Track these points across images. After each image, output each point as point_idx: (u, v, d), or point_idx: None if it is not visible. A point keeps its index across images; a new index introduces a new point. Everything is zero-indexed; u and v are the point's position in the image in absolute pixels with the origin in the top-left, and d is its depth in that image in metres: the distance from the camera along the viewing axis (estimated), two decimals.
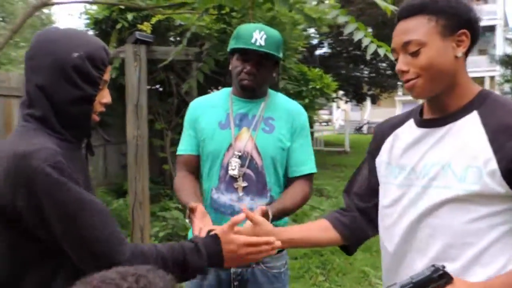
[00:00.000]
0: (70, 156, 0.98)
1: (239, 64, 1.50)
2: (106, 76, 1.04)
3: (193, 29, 3.15)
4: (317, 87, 6.16)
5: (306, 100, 6.73)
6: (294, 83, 6.20)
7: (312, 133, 15.35)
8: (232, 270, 1.50)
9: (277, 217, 1.42)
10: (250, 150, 1.50)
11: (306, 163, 1.57)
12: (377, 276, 3.56)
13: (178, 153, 1.62)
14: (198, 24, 3.13)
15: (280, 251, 1.53)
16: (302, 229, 1.31)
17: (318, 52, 14.63)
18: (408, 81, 1.00)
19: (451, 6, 0.97)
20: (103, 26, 5.46)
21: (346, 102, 16.45)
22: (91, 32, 5.79)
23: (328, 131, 19.56)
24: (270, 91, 1.64)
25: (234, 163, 1.49)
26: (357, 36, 2.42)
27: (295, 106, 1.63)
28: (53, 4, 3.69)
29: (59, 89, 0.98)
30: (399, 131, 1.13)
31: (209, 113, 1.56)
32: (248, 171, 1.50)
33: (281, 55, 1.55)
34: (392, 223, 1.07)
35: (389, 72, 14.80)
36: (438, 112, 1.04)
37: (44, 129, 1.00)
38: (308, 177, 1.58)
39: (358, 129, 22.16)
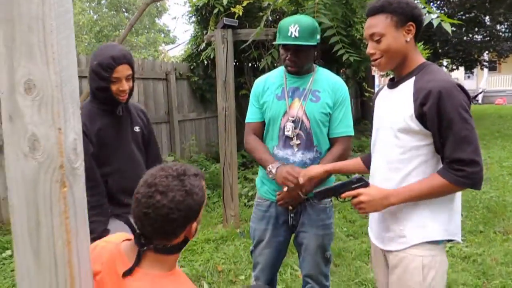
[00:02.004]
0: (101, 113, 1.77)
1: (283, 52, 1.88)
2: (116, 74, 1.69)
3: (269, 13, 3.54)
4: None
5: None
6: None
7: None
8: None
9: (313, 183, 1.83)
10: (301, 115, 1.88)
11: (342, 127, 1.91)
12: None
13: (246, 121, 2.05)
14: (274, 6, 3.51)
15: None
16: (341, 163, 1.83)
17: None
18: (375, 60, 1.47)
19: (400, 7, 1.41)
20: (202, 12, 6.14)
21: (452, 70, 15.17)
22: (193, 18, 6.55)
23: None
24: (318, 67, 1.98)
25: (289, 126, 1.88)
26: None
27: (337, 81, 1.95)
28: (157, 0, 4.38)
29: (90, 81, 1.78)
30: (381, 92, 1.63)
31: (269, 88, 1.96)
32: (300, 132, 1.89)
33: (316, 40, 1.84)
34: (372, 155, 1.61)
35: (507, 34, 13.31)
36: (397, 78, 1.51)
37: (92, 98, 1.81)
38: (345, 139, 1.92)
39: (473, 98, 20.32)
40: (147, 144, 1.96)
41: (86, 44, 19.11)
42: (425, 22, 2.62)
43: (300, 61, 1.86)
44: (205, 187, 1.08)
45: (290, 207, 1.92)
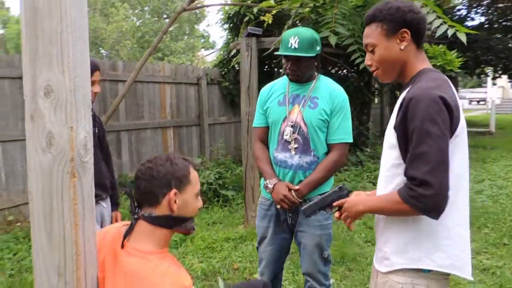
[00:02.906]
0: None
1: (285, 62, 2.01)
2: (93, 78, 1.93)
3: (290, 22, 3.65)
4: (438, 64, 6.00)
5: None
6: None
7: None
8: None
9: (309, 189, 1.97)
10: (299, 121, 1.99)
11: (339, 134, 1.99)
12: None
13: (253, 126, 2.19)
14: (302, 15, 3.62)
15: (326, 193, 2.02)
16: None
17: (470, 24, 13.29)
18: (373, 71, 1.41)
19: (390, 14, 1.31)
20: (234, 20, 6.35)
21: (495, 77, 14.61)
22: (225, 26, 6.76)
23: (480, 110, 17.68)
24: (320, 75, 2.09)
25: (288, 130, 2.00)
26: (429, 18, 2.61)
27: (336, 89, 2.04)
28: (192, 9, 4.60)
29: None
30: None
31: (273, 94, 2.09)
32: (298, 136, 2.00)
33: (315, 51, 1.94)
34: None
35: None
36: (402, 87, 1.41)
37: None
38: (341, 145, 2.00)
39: None
40: (101, 143, 2.26)
41: (128, 49, 19.95)
42: (438, 33, 2.65)
43: (299, 70, 1.97)
44: (194, 173, 1.25)
45: (287, 207, 2.02)
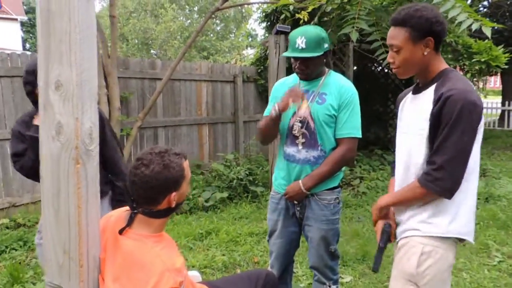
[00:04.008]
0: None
1: (293, 62, 2.04)
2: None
3: (316, 19, 3.66)
4: (483, 60, 5.74)
5: (468, 75, 6.31)
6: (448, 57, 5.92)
7: (503, 111, 13.54)
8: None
9: (314, 181, 1.99)
10: (307, 116, 2.02)
11: (347, 129, 2.00)
12: (501, 251, 3.48)
13: (264, 114, 2.20)
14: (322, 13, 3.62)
15: (333, 188, 2.05)
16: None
17: None
18: (394, 69, 1.55)
19: (419, 23, 1.45)
20: (271, 18, 6.40)
21: None
22: (263, 24, 6.83)
23: None
24: (331, 71, 2.10)
25: (296, 125, 2.04)
26: (452, 13, 2.53)
27: (345, 84, 2.04)
28: (225, 8, 4.72)
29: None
30: (406, 97, 1.67)
31: (284, 90, 2.11)
32: (305, 131, 2.03)
33: (322, 49, 1.95)
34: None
35: None
36: (421, 84, 1.58)
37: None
38: (349, 140, 2.01)
39: None
40: (101, 142, 2.17)
41: (175, 48, 20.58)
42: (462, 27, 2.56)
43: (308, 69, 2.00)
44: (186, 165, 1.31)
45: (295, 201, 2.06)
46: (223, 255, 3.37)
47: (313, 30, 1.98)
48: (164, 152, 1.28)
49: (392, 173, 1.77)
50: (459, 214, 1.47)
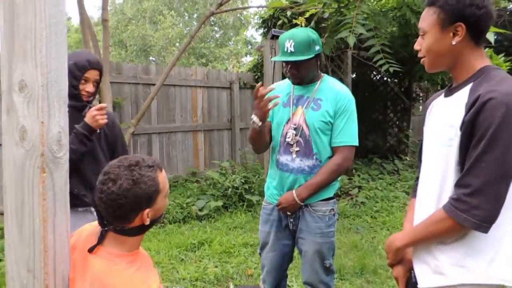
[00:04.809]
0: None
1: (284, 66, 1.94)
2: (88, 74, 1.89)
3: (312, 24, 3.57)
4: None
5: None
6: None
7: None
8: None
9: (309, 191, 1.87)
10: (301, 123, 1.92)
11: (343, 137, 1.89)
12: None
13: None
14: (318, 16, 3.53)
15: (328, 199, 1.93)
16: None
17: None
18: (420, 58, 1.29)
19: (449, 3, 1.17)
20: (268, 24, 6.33)
21: None
22: (260, 30, 6.76)
23: None
24: (326, 76, 2.00)
25: (290, 133, 1.93)
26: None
27: (341, 90, 1.94)
28: (220, 12, 4.63)
29: None
30: (435, 100, 1.38)
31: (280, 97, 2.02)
32: (300, 139, 1.92)
33: (313, 51, 1.85)
34: None
35: None
36: (454, 84, 1.28)
37: None
38: (345, 148, 1.90)
39: None
40: (112, 146, 2.08)
41: (174, 54, 20.46)
42: None
43: (299, 73, 1.90)
44: (162, 178, 1.16)
45: (288, 212, 1.95)
46: (216, 267, 3.24)
47: (302, 32, 1.88)
48: (134, 165, 1.12)
49: (413, 193, 1.44)
50: (500, 253, 1.13)
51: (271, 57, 3.78)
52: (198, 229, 4.10)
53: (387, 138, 8.13)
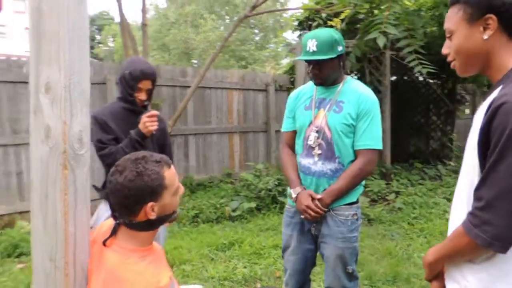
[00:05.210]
0: (123, 112, 2.11)
1: (307, 67, 1.93)
2: (140, 85, 2.05)
3: (343, 25, 3.51)
4: None
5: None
6: None
7: None
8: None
9: (332, 198, 1.86)
10: (323, 126, 1.90)
11: (365, 140, 1.86)
12: None
13: (282, 130, 2.14)
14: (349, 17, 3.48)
15: (351, 203, 1.90)
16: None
17: None
18: (450, 62, 1.18)
19: None
20: (304, 25, 6.30)
21: None
22: (297, 32, 6.74)
23: None
24: (349, 78, 1.98)
25: (312, 136, 1.92)
26: None
27: (364, 92, 1.91)
28: (253, 15, 4.68)
29: (119, 84, 2.13)
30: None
31: (300, 99, 2.02)
32: (322, 142, 1.91)
33: (336, 51, 1.83)
34: None
35: None
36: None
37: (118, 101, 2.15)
38: (367, 152, 1.87)
39: None
40: (161, 146, 2.21)
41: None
42: None
43: (321, 73, 1.88)
44: (170, 174, 1.19)
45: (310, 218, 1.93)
46: (245, 267, 3.27)
47: (325, 32, 1.87)
48: (140, 159, 1.18)
49: None
50: None
51: None
52: (230, 230, 4.15)
53: (430, 142, 7.85)
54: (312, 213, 1.86)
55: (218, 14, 23.84)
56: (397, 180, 5.93)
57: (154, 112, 2.07)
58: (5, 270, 3.18)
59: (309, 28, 6.10)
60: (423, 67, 2.78)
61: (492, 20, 1.07)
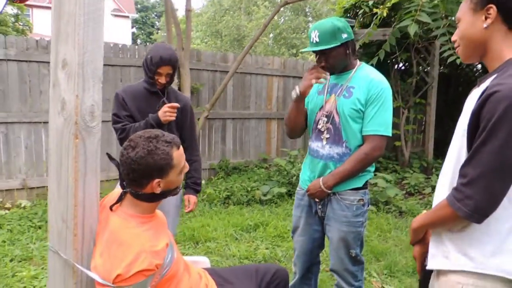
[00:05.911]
0: (145, 92, 2.26)
1: (315, 57, 1.94)
2: (160, 70, 2.16)
3: (383, 13, 3.41)
4: None
5: None
6: None
7: None
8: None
9: (335, 180, 1.87)
10: (333, 110, 1.92)
11: (373, 125, 1.85)
12: None
13: None
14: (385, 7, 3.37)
15: (357, 188, 1.91)
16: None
17: None
18: (455, 48, 1.27)
19: None
20: (350, 13, 6.16)
21: None
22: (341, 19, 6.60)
23: None
24: (363, 64, 1.96)
25: (321, 120, 1.95)
26: None
27: (375, 77, 1.89)
28: (294, 1, 4.66)
29: (143, 68, 2.24)
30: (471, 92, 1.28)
31: (315, 85, 2.04)
32: (330, 126, 1.93)
33: (340, 39, 1.82)
34: None
35: None
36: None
37: (143, 81, 2.28)
38: (375, 137, 1.86)
39: None
40: (180, 126, 2.31)
41: (265, 45, 20.92)
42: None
43: (327, 63, 1.89)
44: (177, 155, 1.30)
45: (317, 199, 1.96)
46: (266, 248, 3.35)
47: (327, 22, 1.87)
48: (153, 138, 1.28)
49: None
50: (503, 247, 1.13)
51: None
52: (258, 212, 4.24)
53: None
54: (316, 192, 1.91)
55: (272, 1, 23.70)
56: (437, 175, 5.71)
57: (175, 104, 2.18)
58: None
59: (356, 15, 5.97)
60: (458, 57, 2.67)
61: (493, 9, 1.15)
